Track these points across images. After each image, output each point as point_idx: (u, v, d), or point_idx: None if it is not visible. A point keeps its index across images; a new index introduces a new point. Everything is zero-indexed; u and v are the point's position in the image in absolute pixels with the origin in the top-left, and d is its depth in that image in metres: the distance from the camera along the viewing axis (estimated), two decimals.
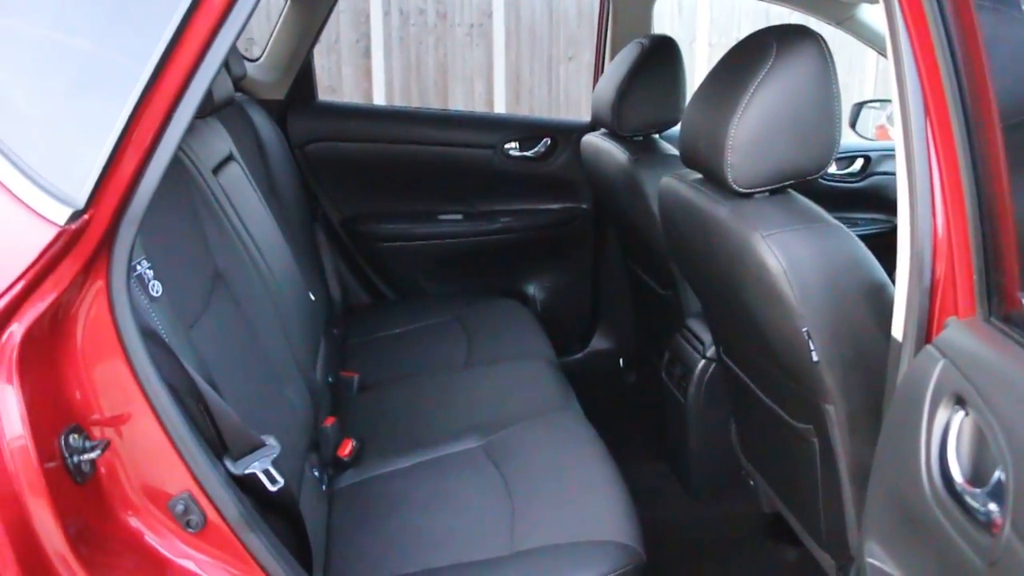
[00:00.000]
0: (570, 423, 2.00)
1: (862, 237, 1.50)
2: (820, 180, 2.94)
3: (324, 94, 3.20)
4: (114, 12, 1.11)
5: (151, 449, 1.14)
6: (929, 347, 1.11)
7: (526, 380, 2.24)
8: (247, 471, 1.27)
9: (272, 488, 1.29)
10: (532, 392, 2.17)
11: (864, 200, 3.03)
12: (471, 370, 2.37)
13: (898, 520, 1.12)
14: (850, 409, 1.49)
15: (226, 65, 1.87)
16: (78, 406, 1.09)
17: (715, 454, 2.29)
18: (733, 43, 1.65)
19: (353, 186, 3.06)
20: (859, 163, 3.08)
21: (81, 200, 1.02)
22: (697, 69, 5.86)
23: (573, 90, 6.34)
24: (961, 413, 1.00)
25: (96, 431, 1.10)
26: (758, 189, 1.53)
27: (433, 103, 6.13)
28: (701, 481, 2.38)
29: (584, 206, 3.08)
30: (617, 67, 2.44)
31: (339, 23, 5.80)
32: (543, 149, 3.08)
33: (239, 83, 2.61)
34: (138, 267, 1.26)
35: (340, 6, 5.63)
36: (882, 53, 2.47)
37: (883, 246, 1.50)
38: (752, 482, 2.15)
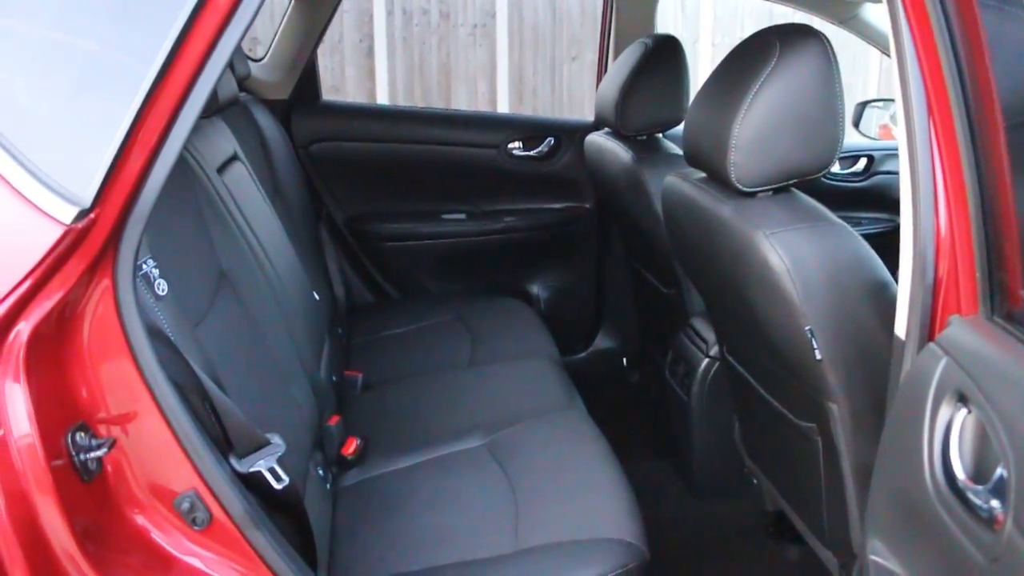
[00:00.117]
0: (574, 422, 2.00)
1: (866, 236, 1.50)
2: (824, 179, 2.95)
3: (328, 94, 3.22)
4: (119, 13, 1.12)
5: (157, 447, 1.14)
6: (932, 345, 1.11)
7: (530, 379, 2.25)
8: (252, 469, 1.28)
9: (277, 486, 1.30)
10: (536, 391, 2.18)
11: (868, 199, 3.03)
12: (475, 369, 2.37)
13: (901, 517, 1.13)
14: (853, 407, 1.49)
15: (230, 65, 1.88)
16: (84, 404, 1.10)
17: (718, 452, 2.29)
18: (736, 43, 1.66)
19: (357, 186, 3.06)
20: (862, 162, 3.08)
21: (87, 199, 1.03)
22: (700, 69, 5.85)
23: (576, 90, 6.34)
24: (963, 410, 1.00)
25: (102, 429, 1.11)
26: (761, 188, 1.54)
27: (436, 103, 6.13)
28: (704, 479, 2.39)
29: (587, 205, 3.08)
30: (621, 66, 2.44)
31: (342, 23, 5.81)
32: (547, 149, 3.08)
33: (243, 83, 2.62)
34: (144, 266, 1.27)
35: (343, 6, 5.63)
36: (886, 52, 2.46)
37: (887, 245, 1.50)
38: (755, 480, 2.15)
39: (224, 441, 1.27)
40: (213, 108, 2.05)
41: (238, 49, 1.13)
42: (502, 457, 1.86)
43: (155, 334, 1.17)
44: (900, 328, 1.26)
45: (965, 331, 1.09)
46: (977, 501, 0.94)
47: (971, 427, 0.99)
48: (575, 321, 3.17)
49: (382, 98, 5.99)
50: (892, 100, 1.31)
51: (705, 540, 2.39)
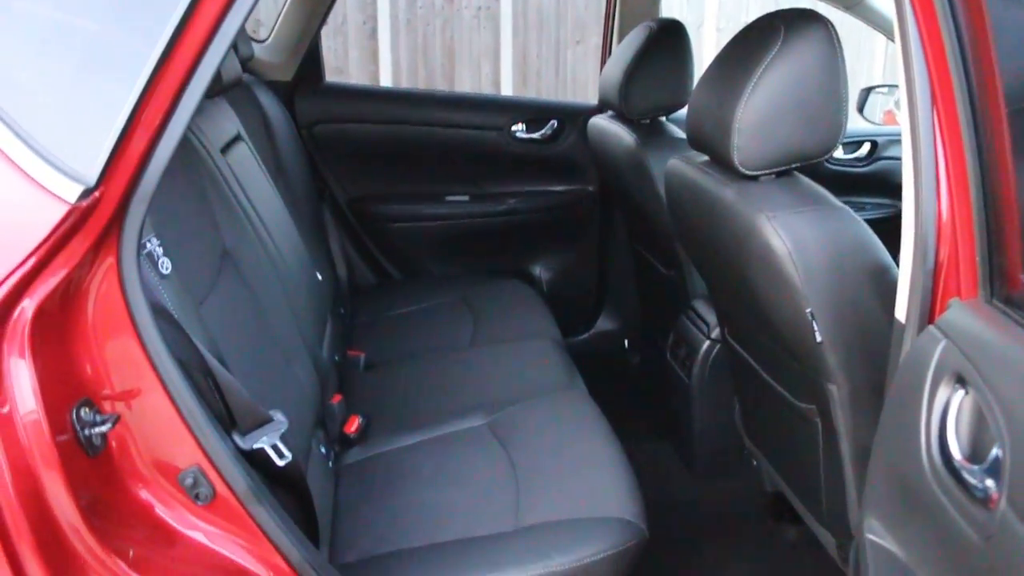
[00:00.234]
0: (575, 402, 2.01)
1: (868, 221, 1.51)
2: (827, 164, 2.97)
3: (331, 76, 3.22)
4: None
5: (161, 423, 1.15)
6: (931, 327, 1.12)
7: (531, 359, 2.26)
8: (255, 446, 1.29)
9: (280, 463, 1.31)
10: (537, 371, 2.19)
11: (871, 185, 3.03)
12: (477, 349, 2.39)
13: (897, 497, 1.14)
14: (853, 389, 1.50)
15: (234, 46, 1.88)
16: (89, 381, 1.11)
17: (718, 434, 2.30)
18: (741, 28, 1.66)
19: (360, 167, 3.07)
20: (866, 148, 3.08)
21: (92, 178, 1.03)
22: (705, 54, 5.83)
23: (580, 73, 6.32)
24: (961, 392, 1.01)
25: (107, 405, 1.12)
26: (764, 171, 1.54)
27: (440, 86, 6.12)
28: (704, 460, 2.40)
29: (590, 188, 3.09)
30: (625, 50, 2.44)
31: (346, 5, 5.78)
32: (550, 131, 3.08)
33: (247, 64, 2.61)
34: (148, 244, 1.28)
35: None
36: (891, 38, 2.46)
37: (889, 230, 1.51)
38: (755, 462, 2.16)
39: (227, 418, 1.28)
40: (217, 89, 2.05)
41: (241, 30, 1.13)
42: (503, 436, 1.87)
43: (159, 312, 1.17)
44: (900, 311, 1.27)
45: (964, 314, 1.10)
46: (972, 481, 0.95)
47: (968, 408, 1.00)
48: (577, 303, 3.18)
49: (385, 80, 5.98)
50: (896, 86, 1.31)
51: (704, 520, 2.40)
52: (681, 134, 2.39)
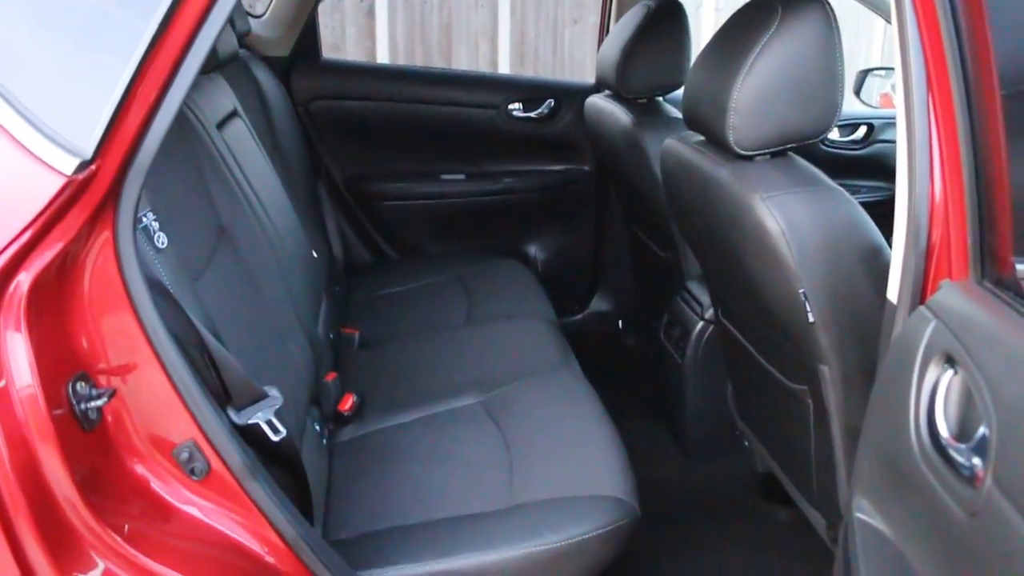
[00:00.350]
0: (568, 381, 2.02)
1: (864, 204, 1.51)
2: (823, 147, 2.97)
3: (327, 53, 3.20)
4: None
5: (156, 398, 1.16)
6: (922, 308, 1.13)
7: (526, 339, 2.27)
8: (250, 421, 1.30)
9: (275, 438, 1.32)
10: (531, 350, 2.19)
11: (867, 167, 3.03)
12: (471, 328, 2.39)
13: (886, 475, 1.15)
14: (844, 370, 1.51)
15: (230, 21, 1.87)
16: (85, 355, 1.11)
17: (711, 415, 2.32)
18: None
19: (356, 144, 3.06)
20: (862, 130, 3.08)
21: (88, 151, 1.03)
22: (704, 35, 5.81)
23: (578, 53, 6.29)
24: (950, 372, 1.02)
25: (102, 380, 1.12)
26: (759, 152, 1.55)
27: (437, 64, 6.08)
28: (696, 441, 2.41)
29: (586, 168, 3.09)
30: (622, 29, 2.43)
31: None
32: (547, 110, 3.07)
33: (243, 39, 2.60)
34: (144, 219, 1.28)
35: None
36: (889, 20, 2.46)
37: (884, 213, 1.52)
38: (747, 442, 2.18)
39: (222, 393, 1.28)
40: (213, 64, 2.05)
41: (238, 5, 1.13)
42: (497, 415, 1.88)
43: (155, 286, 1.18)
44: (892, 292, 1.28)
45: (955, 295, 1.11)
46: (959, 459, 0.96)
47: (957, 388, 1.01)
48: (572, 283, 3.18)
49: (382, 58, 5.94)
50: (893, 69, 1.31)
51: (696, 500, 2.42)
52: (678, 114, 2.39)
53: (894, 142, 1.31)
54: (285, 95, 2.85)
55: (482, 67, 6.18)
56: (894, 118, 1.66)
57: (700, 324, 2.25)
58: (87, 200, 1.05)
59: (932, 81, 1.19)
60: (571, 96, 3.03)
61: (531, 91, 3.12)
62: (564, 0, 6.19)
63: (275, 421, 1.32)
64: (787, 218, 1.44)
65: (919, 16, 1.19)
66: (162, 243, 1.32)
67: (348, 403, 1.96)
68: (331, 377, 1.99)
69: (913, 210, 1.22)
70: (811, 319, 1.47)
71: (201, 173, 1.69)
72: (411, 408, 1.96)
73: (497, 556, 1.49)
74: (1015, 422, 0.88)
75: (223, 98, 2.11)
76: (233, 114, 2.13)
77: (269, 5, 2.93)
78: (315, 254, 2.35)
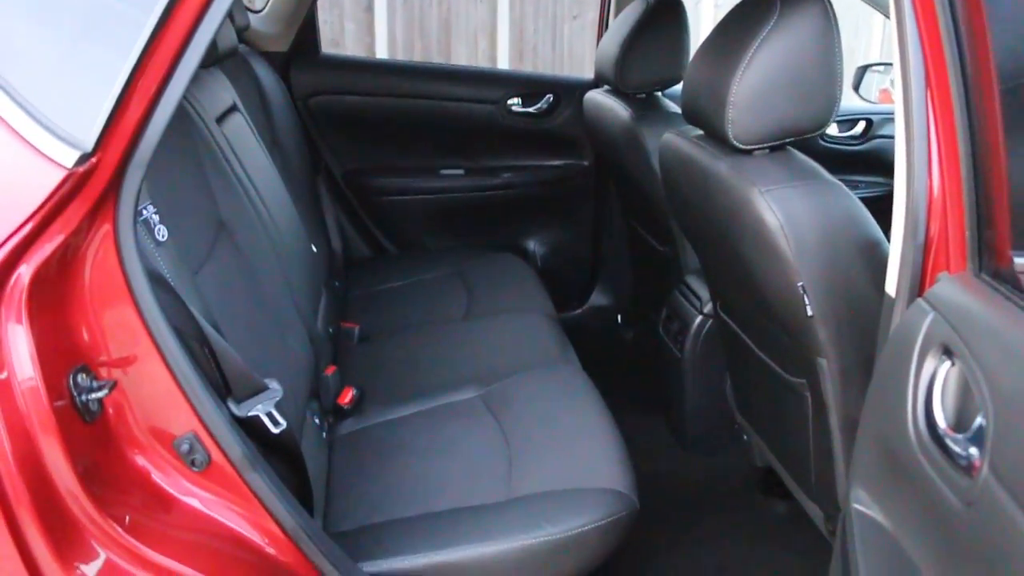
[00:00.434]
0: (567, 375, 2.03)
1: (862, 200, 1.52)
2: (821, 142, 2.97)
3: (326, 48, 3.20)
4: None
5: (157, 390, 1.16)
6: (920, 300, 1.13)
7: (525, 332, 2.27)
8: (250, 413, 1.30)
9: (275, 430, 1.32)
10: (530, 344, 2.20)
11: (865, 163, 3.04)
12: (470, 322, 2.40)
13: (883, 466, 1.16)
14: (842, 363, 1.52)
15: (230, 16, 1.87)
16: (85, 347, 1.11)
17: (710, 408, 2.32)
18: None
19: (355, 139, 3.06)
20: (861, 126, 3.09)
21: (89, 144, 1.03)
22: (703, 30, 5.81)
23: (577, 48, 6.29)
24: (948, 363, 1.03)
25: (103, 372, 1.13)
26: (758, 146, 1.55)
27: (436, 60, 6.09)
28: (695, 435, 2.42)
29: (585, 163, 3.09)
30: (621, 23, 2.44)
31: None
32: (546, 105, 3.08)
33: (242, 34, 2.61)
34: (144, 211, 1.28)
35: None
36: (888, 16, 2.46)
37: (883, 209, 1.52)
38: (745, 436, 2.18)
39: (223, 385, 1.29)
40: (212, 58, 2.05)
41: (237, 0, 1.14)
42: (496, 408, 1.89)
43: (155, 279, 1.18)
44: (891, 286, 1.28)
45: (953, 288, 1.12)
46: (956, 449, 0.97)
47: (954, 379, 1.01)
48: (571, 278, 3.19)
49: (381, 54, 5.95)
50: (892, 64, 1.32)
51: (694, 494, 2.42)
52: (676, 109, 2.39)
53: (893, 137, 1.31)
54: (284, 90, 2.85)
55: (481, 63, 6.19)
56: (893, 114, 1.67)
57: (699, 318, 2.26)
58: (88, 193, 1.05)
59: (930, 76, 1.20)
60: (570, 91, 3.03)
61: (530, 86, 3.12)
62: None
63: (275, 413, 1.33)
64: (785, 212, 1.45)
65: (917, 11, 1.19)
66: (162, 236, 1.32)
67: (348, 397, 1.97)
68: (331, 371, 2.00)
69: (911, 204, 1.22)
70: (809, 312, 1.47)
71: (201, 167, 1.69)
72: (410, 402, 1.96)
73: (496, 548, 1.49)
74: (1012, 412, 0.89)
75: (223, 92, 2.11)
76: (233, 108, 2.13)
77: (268, 0, 2.93)
78: (314, 249, 2.36)
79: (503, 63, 6.20)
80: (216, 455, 1.20)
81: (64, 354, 1.08)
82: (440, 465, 1.73)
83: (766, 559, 2.19)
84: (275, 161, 2.33)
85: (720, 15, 1.64)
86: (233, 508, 1.23)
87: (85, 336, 1.11)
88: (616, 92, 2.54)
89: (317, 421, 1.84)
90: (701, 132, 1.72)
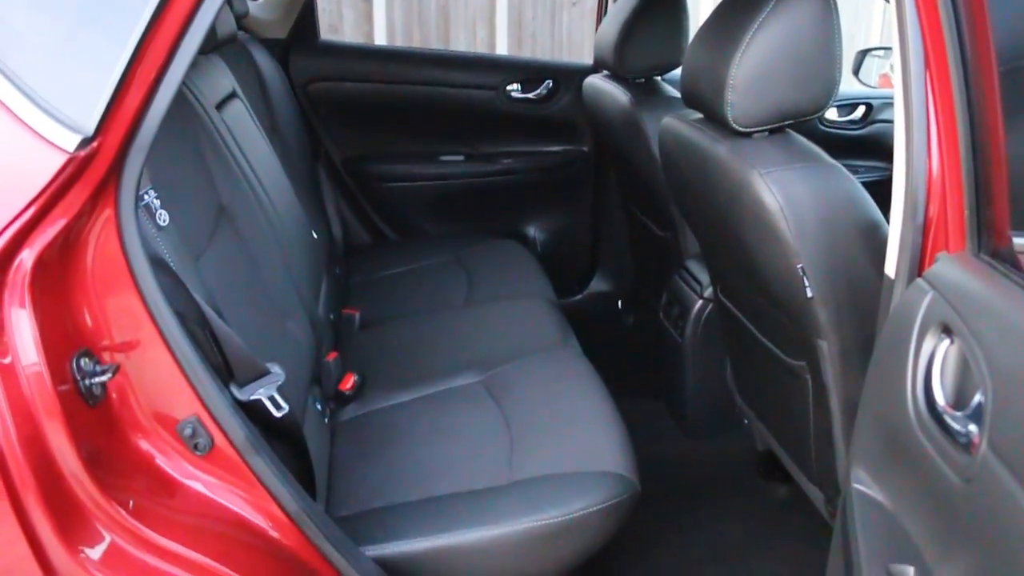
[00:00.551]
0: (568, 359, 2.03)
1: (862, 184, 1.52)
2: (821, 126, 2.97)
3: (325, 35, 3.19)
4: None
5: (159, 374, 1.17)
6: (919, 280, 1.14)
7: (525, 318, 2.28)
8: (253, 397, 1.31)
9: (277, 414, 1.33)
10: (531, 329, 2.20)
11: (865, 147, 3.03)
12: (471, 308, 2.40)
13: (883, 445, 1.16)
14: (842, 345, 1.52)
15: (228, 2, 1.87)
16: (88, 331, 1.12)
17: (710, 393, 2.33)
18: None
19: (355, 126, 3.06)
20: (861, 110, 3.08)
21: (90, 128, 1.04)
22: (701, 13, 5.78)
23: (576, 36, 6.27)
24: (947, 341, 1.03)
25: (106, 356, 1.13)
26: (757, 128, 1.55)
27: (435, 47, 6.07)
28: (696, 419, 2.43)
29: (585, 149, 3.09)
30: (620, 9, 2.43)
31: None
32: (545, 91, 3.07)
33: (241, 21, 2.60)
34: (146, 196, 1.28)
35: None
36: (888, 0, 2.46)
37: (883, 193, 1.52)
38: (746, 420, 2.19)
39: (225, 369, 1.29)
40: (211, 44, 2.05)
41: None
42: (497, 393, 1.89)
43: (157, 263, 1.18)
44: (890, 267, 1.29)
45: (952, 267, 1.12)
46: (956, 426, 0.97)
47: (953, 357, 1.02)
48: (571, 264, 3.19)
49: (380, 41, 5.93)
50: (892, 48, 1.31)
51: (695, 479, 2.43)
52: (676, 93, 2.38)
53: (892, 122, 1.31)
54: (283, 77, 2.85)
55: (480, 50, 6.17)
56: (892, 98, 1.68)
57: (699, 303, 2.26)
58: (89, 177, 1.05)
59: (929, 56, 1.20)
60: (569, 77, 3.03)
61: (529, 72, 3.12)
62: None
63: (277, 397, 1.33)
64: (785, 193, 1.45)
65: None
66: (164, 221, 1.32)
67: (349, 382, 1.97)
68: (332, 357, 2.00)
69: (911, 184, 1.23)
70: (809, 294, 1.48)
71: (201, 153, 1.69)
72: (412, 387, 1.97)
73: (498, 531, 1.50)
74: (1010, 389, 0.90)
75: (222, 79, 2.11)
76: (232, 95, 2.13)
77: None
78: (315, 235, 2.36)
79: (502, 50, 6.19)
80: (219, 439, 1.21)
81: (67, 338, 1.09)
82: (442, 450, 1.74)
83: (766, 542, 2.20)
84: (275, 148, 2.34)
85: (719, 1, 1.63)
86: (236, 492, 1.24)
87: (88, 320, 1.11)
88: (615, 77, 2.54)
89: (319, 407, 1.84)
90: (701, 116, 1.72)
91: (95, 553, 1.07)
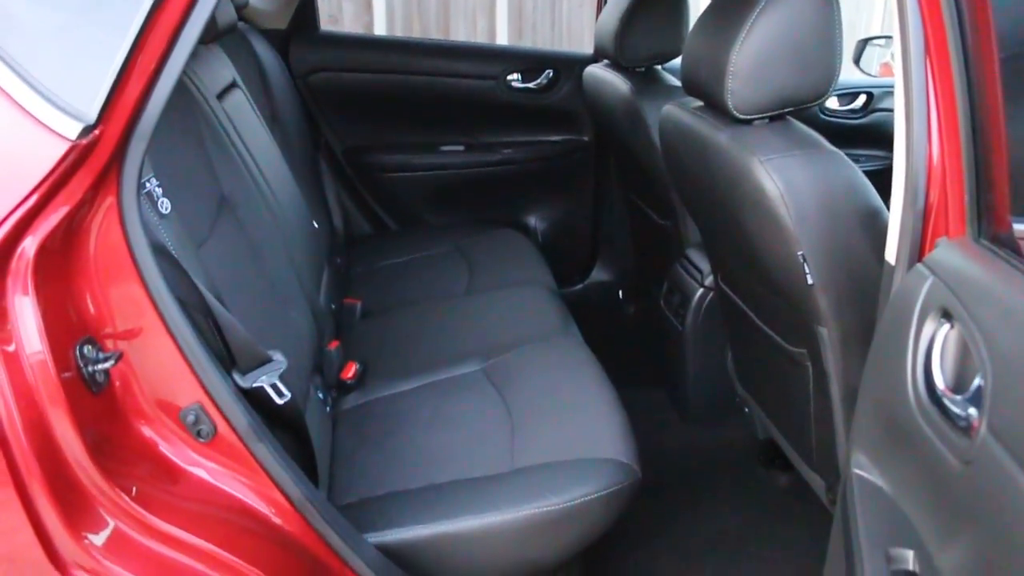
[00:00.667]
0: (569, 347, 2.04)
1: (863, 173, 1.52)
2: (822, 115, 2.96)
3: (325, 25, 3.19)
4: None
5: (162, 361, 1.17)
6: (919, 265, 1.14)
7: (526, 306, 2.28)
8: (255, 384, 1.31)
9: (279, 401, 1.33)
10: (532, 317, 2.21)
11: (866, 136, 3.03)
12: (472, 297, 2.41)
13: (883, 430, 1.17)
14: (843, 331, 1.53)
15: None
16: (91, 319, 1.12)
17: (711, 381, 2.33)
18: None
19: (355, 116, 3.06)
20: (862, 99, 3.07)
21: (92, 116, 1.04)
22: (701, 3, 5.77)
23: (576, 27, 6.26)
24: (947, 326, 1.03)
25: (109, 343, 1.14)
26: (758, 115, 1.55)
27: (435, 37, 6.06)
28: (697, 408, 2.43)
29: (586, 138, 3.09)
30: None
31: None
32: (545, 81, 3.07)
33: (241, 12, 2.60)
34: (148, 184, 1.29)
35: None
36: None
37: (883, 182, 1.52)
38: (747, 409, 2.19)
39: (227, 357, 1.30)
40: (212, 34, 2.05)
41: None
42: (498, 381, 1.90)
43: (159, 251, 1.19)
44: (890, 253, 1.29)
45: (952, 252, 1.12)
46: (955, 409, 0.98)
47: (953, 341, 1.02)
48: (572, 253, 3.19)
49: (380, 32, 5.92)
50: (892, 37, 1.31)
51: (696, 467, 2.44)
52: (676, 82, 2.39)
53: (893, 111, 1.31)
54: (284, 68, 2.85)
55: (480, 40, 6.16)
56: (893, 87, 1.68)
57: (700, 291, 2.27)
58: (91, 165, 1.06)
59: (930, 42, 1.20)
60: (570, 66, 3.02)
61: (530, 62, 3.11)
62: None
63: (279, 384, 1.34)
64: (785, 180, 1.45)
65: None
66: (166, 209, 1.33)
67: (351, 371, 1.98)
68: (334, 345, 2.01)
69: (911, 170, 1.23)
70: (810, 281, 1.48)
71: (202, 143, 1.69)
72: (413, 376, 1.98)
73: (499, 518, 1.51)
74: (1009, 372, 0.90)
75: (222, 69, 2.11)
76: (232, 85, 2.13)
77: None
78: (316, 225, 2.36)
79: (502, 40, 6.17)
80: (222, 426, 1.21)
81: (70, 326, 1.09)
82: (443, 437, 1.75)
83: (767, 530, 2.21)
84: (275, 138, 2.34)
85: None
86: (239, 478, 1.25)
87: (90, 308, 1.12)
88: (616, 66, 2.53)
89: (321, 395, 1.85)
90: (701, 104, 1.72)
91: (99, 539, 1.08)
